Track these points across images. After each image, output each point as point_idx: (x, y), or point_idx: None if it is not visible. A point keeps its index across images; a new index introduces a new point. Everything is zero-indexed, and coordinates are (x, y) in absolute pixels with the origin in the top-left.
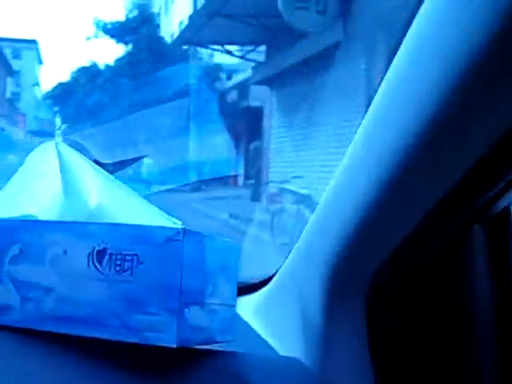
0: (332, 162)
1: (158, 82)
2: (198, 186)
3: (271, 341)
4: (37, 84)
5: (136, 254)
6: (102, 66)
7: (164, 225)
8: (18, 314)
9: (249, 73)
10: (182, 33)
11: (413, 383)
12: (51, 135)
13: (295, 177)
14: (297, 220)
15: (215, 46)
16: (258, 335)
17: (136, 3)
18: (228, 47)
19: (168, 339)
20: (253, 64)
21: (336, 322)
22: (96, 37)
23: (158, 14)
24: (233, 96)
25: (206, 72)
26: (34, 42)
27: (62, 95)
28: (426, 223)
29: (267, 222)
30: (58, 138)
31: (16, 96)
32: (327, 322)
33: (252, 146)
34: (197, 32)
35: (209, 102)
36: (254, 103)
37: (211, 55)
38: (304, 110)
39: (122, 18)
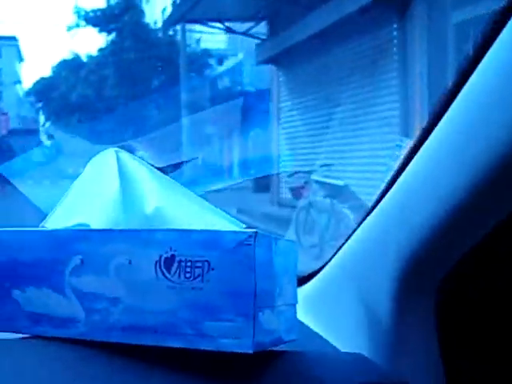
0: (363, 146)
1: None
2: (191, 179)
3: (325, 336)
4: (18, 81)
5: (206, 260)
6: (84, 58)
7: (227, 226)
8: (84, 326)
9: (241, 56)
10: (175, 10)
11: (483, 382)
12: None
13: (324, 165)
14: (330, 216)
15: (213, 23)
16: (310, 330)
17: None
18: (226, 24)
19: (244, 345)
20: (254, 42)
21: (405, 318)
22: (77, 26)
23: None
24: (225, 82)
25: (194, 58)
26: (13, 38)
27: (44, 91)
28: (503, 227)
29: (284, 218)
30: (108, 146)
31: None
32: (396, 318)
33: (252, 133)
34: (192, 8)
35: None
36: (249, 88)
37: (198, 40)
38: (321, 88)
39: (103, 5)
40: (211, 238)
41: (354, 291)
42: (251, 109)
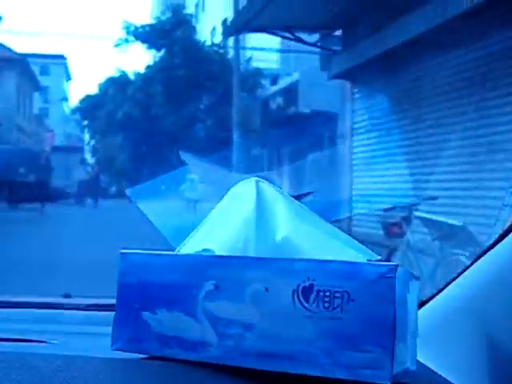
0: (470, 176)
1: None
2: None
3: (432, 367)
4: (65, 99)
5: (346, 291)
6: (131, 75)
7: (358, 256)
8: (216, 350)
9: (296, 76)
10: (238, 17)
11: None
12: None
13: (427, 198)
14: (437, 262)
15: (280, 32)
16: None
17: (169, 4)
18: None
19: (383, 377)
20: (310, 61)
21: None
22: (126, 42)
23: (191, 16)
24: (279, 102)
25: (246, 77)
26: (61, 57)
27: (89, 109)
28: None
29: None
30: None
31: (44, 111)
32: None
33: (310, 157)
34: (256, 15)
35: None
36: (305, 109)
37: (250, 59)
38: (409, 107)
39: (153, 20)
40: (351, 269)
41: (473, 325)
42: (317, 131)
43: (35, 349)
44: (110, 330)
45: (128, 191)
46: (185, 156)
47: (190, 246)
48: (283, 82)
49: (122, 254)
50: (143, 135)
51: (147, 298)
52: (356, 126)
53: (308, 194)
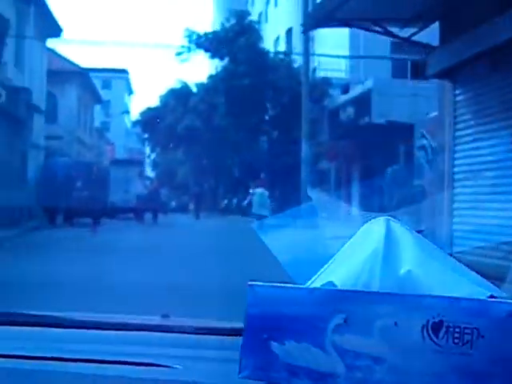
0: None
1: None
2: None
3: None
4: (126, 112)
5: (476, 328)
6: (193, 86)
7: (481, 292)
8: (344, 381)
9: (369, 84)
10: (319, 6)
11: None
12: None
13: None
14: None
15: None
16: None
17: (233, 10)
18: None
19: None
20: (381, 68)
21: None
22: (188, 51)
23: (256, 22)
24: (350, 113)
25: (315, 86)
26: (124, 71)
27: (150, 121)
28: None
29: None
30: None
31: (105, 125)
32: None
33: (390, 170)
34: (340, 5)
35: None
36: (379, 120)
37: (317, 68)
38: None
39: (216, 27)
40: (480, 306)
41: None
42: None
43: (165, 375)
44: (226, 355)
45: (253, 226)
46: (311, 192)
47: (319, 280)
48: (354, 91)
49: (250, 285)
50: (205, 148)
51: (275, 328)
52: (458, 133)
53: (419, 231)
